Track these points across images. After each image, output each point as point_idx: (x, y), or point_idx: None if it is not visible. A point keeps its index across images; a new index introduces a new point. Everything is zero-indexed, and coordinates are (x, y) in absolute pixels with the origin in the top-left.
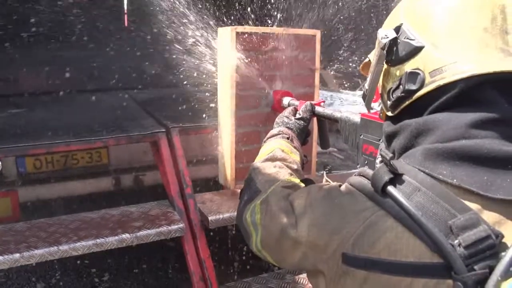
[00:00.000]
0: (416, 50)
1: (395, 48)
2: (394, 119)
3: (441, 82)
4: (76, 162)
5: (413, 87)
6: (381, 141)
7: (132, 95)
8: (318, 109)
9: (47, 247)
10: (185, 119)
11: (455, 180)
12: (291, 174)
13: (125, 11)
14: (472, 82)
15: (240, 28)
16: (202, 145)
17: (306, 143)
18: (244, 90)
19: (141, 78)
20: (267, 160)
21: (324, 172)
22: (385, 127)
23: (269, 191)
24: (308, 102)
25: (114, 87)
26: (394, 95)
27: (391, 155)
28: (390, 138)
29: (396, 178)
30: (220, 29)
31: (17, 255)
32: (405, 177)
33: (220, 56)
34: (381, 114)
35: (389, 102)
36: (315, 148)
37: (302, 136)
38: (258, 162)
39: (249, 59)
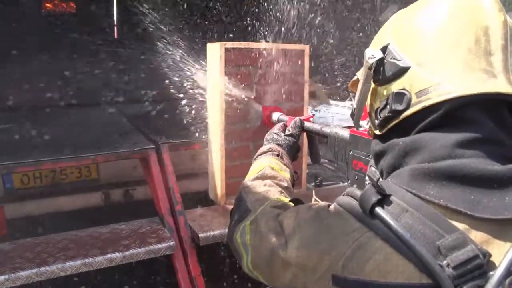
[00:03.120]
0: (402, 71)
1: (382, 68)
2: (382, 138)
3: (427, 103)
4: (65, 177)
5: (400, 107)
6: (370, 157)
7: (122, 109)
8: (307, 124)
9: (34, 268)
10: (175, 134)
11: (442, 200)
12: (281, 192)
13: (115, 23)
14: (457, 103)
15: (229, 44)
16: (194, 158)
17: (296, 159)
18: (233, 105)
19: (131, 92)
20: (257, 178)
21: (313, 191)
22: (373, 146)
23: (259, 211)
24: (297, 118)
25: (103, 101)
26: (381, 115)
27: (378, 176)
28: (378, 157)
29: (384, 199)
30: (209, 45)
31: (2, 278)
32: (393, 198)
33: (210, 72)
34: (369, 132)
35: (376, 121)
36: (305, 162)
37: (292, 152)
38: (248, 180)
39: (238, 75)
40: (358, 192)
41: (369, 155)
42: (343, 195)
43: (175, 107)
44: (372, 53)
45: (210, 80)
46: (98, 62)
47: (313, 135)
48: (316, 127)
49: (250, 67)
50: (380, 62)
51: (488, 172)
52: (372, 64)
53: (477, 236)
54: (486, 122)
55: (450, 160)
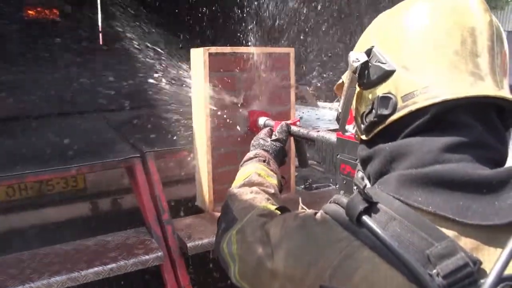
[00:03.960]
0: (388, 74)
1: (366, 72)
2: (369, 143)
3: (413, 108)
4: (52, 188)
5: (386, 112)
6: (358, 161)
7: (107, 117)
8: (293, 128)
9: (18, 286)
10: (161, 142)
11: (430, 207)
12: (268, 199)
13: (100, 30)
14: (444, 106)
15: (213, 49)
16: (182, 163)
17: (284, 164)
18: (219, 111)
19: (116, 100)
20: (243, 185)
21: (300, 199)
22: (359, 151)
23: (245, 219)
24: (283, 123)
25: (88, 109)
26: (367, 119)
27: (364, 183)
28: (364, 162)
29: (371, 207)
30: (192, 50)
31: None
32: (380, 205)
33: (194, 77)
34: (356, 136)
35: (362, 126)
36: (293, 166)
37: (279, 157)
38: (234, 188)
39: (223, 80)
40: (344, 200)
41: (357, 159)
42: (330, 202)
43: (162, 114)
44: (356, 57)
45: (194, 86)
46: (82, 69)
47: (300, 139)
48: (303, 131)
49: (235, 72)
50: (365, 65)
51: (476, 177)
52: (356, 67)
53: (466, 243)
54: (474, 126)
55: (437, 165)
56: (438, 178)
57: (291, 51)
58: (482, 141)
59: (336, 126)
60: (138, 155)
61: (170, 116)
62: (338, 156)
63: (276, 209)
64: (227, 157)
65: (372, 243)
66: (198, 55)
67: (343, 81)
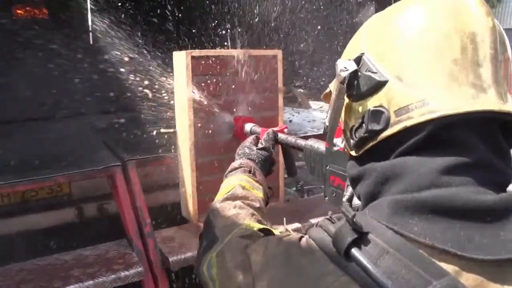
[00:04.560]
0: (379, 85)
1: (356, 82)
2: (359, 160)
3: (408, 124)
4: (35, 194)
5: (377, 127)
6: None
7: (90, 122)
8: (281, 136)
9: None
10: (143, 149)
11: (427, 239)
12: (252, 214)
13: (90, 29)
14: (442, 123)
15: (196, 52)
16: (167, 170)
17: (271, 173)
18: (202, 117)
19: (100, 103)
20: (227, 199)
21: (284, 220)
22: (348, 168)
23: (226, 240)
24: (270, 130)
25: (70, 114)
26: (357, 134)
27: (353, 212)
28: (354, 181)
29: (361, 238)
30: (175, 53)
31: None
32: (371, 236)
33: (176, 82)
34: (345, 150)
35: (352, 141)
36: (282, 174)
37: (266, 166)
38: (217, 202)
39: (207, 84)
40: (332, 228)
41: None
42: (316, 226)
43: (146, 119)
44: (345, 65)
45: (176, 91)
46: (68, 71)
47: (288, 147)
48: (290, 139)
49: (220, 75)
50: (354, 75)
51: (479, 203)
52: (344, 77)
53: (469, 279)
54: (476, 144)
55: (435, 189)
56: (436, 205)
57: (279, 53)
58: (484, 161)
59: None
60: (119, 163)
61: (155, 121)
62: (328, 167)
63: (259, 230)
64: (212, 166)
65: (362, 280)
66: (181, 58)
67: (330, 91)
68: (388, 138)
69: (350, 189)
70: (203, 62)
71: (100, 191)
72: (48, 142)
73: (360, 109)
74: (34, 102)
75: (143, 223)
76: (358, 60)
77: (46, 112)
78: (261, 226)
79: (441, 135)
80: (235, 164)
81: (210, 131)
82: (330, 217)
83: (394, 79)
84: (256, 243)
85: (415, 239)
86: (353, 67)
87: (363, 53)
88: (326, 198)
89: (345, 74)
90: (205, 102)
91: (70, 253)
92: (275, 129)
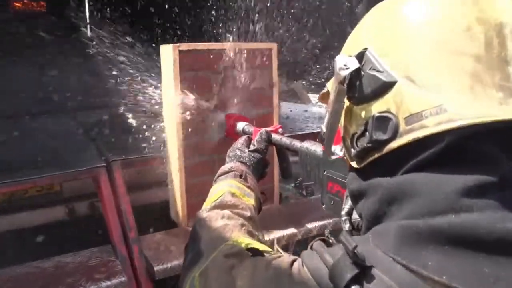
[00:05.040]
0: (386, 86)
1: (358, 82)
2: (361, 173)
3: (421, 134)
4: (25, 191)
5: (383, 137)
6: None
7: (80, 118)
8: (275, 137)
9: None
10: (130, 149)
11: (444, 277)
12: (242, 225)
13: (87, 21)
14: (463, 133)
15: (184, 46)
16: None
17: (264, 176)
18: (192, 115)
19: (91, 98)
20: (215, 207)
21: (275, 241)
22: (349, 183)
23: (211, 258)
24: (263, 130)
25: (60, 109)
26: (359, 143)
27: (354, 244)
28: (355, 197)
29: (364, 273)
30: (162, 47)
31: None
32: (375, 271)
33: (164, 77)
34: (345, 158)
35: (353, 151)
36: (277, 175)
37: (259, 169)
38: (204, 210)
39: (196, 80)
40: (328, 258)
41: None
42: (311, 248)
43: (137, 117)
44: (345, 62)
45: (164, 87)
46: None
47: (282, 148)
48: (285, 140)
49: (210, 70)
50: (356, 74)
51: (506, 232)
52: (344, 77)
53: None
54: (502, 160)
55: (453, 214)
56: (455, 234)
57: (274, 46)
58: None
59: None
60: (103, 164)
61: (144, 118)
62: (325, 172)
63: (247, 249)
64: (203, 166)
65: None
66: (168, 53)
67: (328, 91)
68: (396, 149)
69: (349, 201)
70: (192, 56)
71: (90, 189)
72: (31, 140)
73: (362, 114)
74: (17, 98)
75: (127, 228)
76: (361, 57)
77: (40, 106)
78: (250, 242)
79: (460, 149)
80: (225, 167)
81: (199, 130)
82: (327, 236)
83: (404, 80)
84: (243, 265)
85: (428, 277)
86: (354, 64)
87: (366, 49)
88: (324, 206)
89: (345, 73)
90: (195, 99)
91: (50, 259)
92: (268, 129)
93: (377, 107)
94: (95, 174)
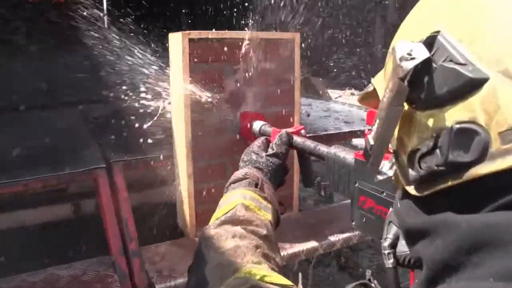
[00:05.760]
0: (472, 86)
1: (426, 79)
2: (423, 203)
3: None
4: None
5: (464, 159)
6: (383, 194)
7: (86, 111)
8: (297, 140)
9: None
10: (134, 148)
11: None
12: (256, 247)
13: (105, 11)
14: None
15: (194, 34)
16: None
17: (283, 184)
18: (202, 112)
19: (98, 90)
20: (225, 222)
21: (299, 275)
22: (403, 213)
23: None
24: (283, 132)
25: (66, 102)
26: (423, 164)
27: None
28: (413, 236)
29: None
30: (171, 35)
31: None
32: None
33: (172, 70)
34: (394, 179)
35: (413, 173)
36: (297, 180)
37: (277, 177)
38: (212, 226)
39: (208, 73)
40: None
41: (383, 192)
42: None
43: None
44: (408, 50)
45: (172, 81)
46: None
47: (305, 153)
48: (309, 144)
49: (223, 62)
50: (424, 67)
51: None
52: (408, 71)
53: None
54: None
55: None
56: None
57: (296, 36)
58: None
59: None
60: (103, 165)
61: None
62: (357, 184)
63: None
64: (214, 171)
65: None
66: (176, 41)
67: (374, 89)
68: (484, 177)
69: (394, 228)
70: (203, 45)
71: None
72: (37, 135)
73: (430, 123)
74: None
75: (128, 238)
76: (431, 43)
77: (46, 99)
78: (266, 274)
79: None
80: (239, 173)
81: (210, 130)
82: (369, 280)
83: (499, 76)
84: None
85: None
86: (423, 54)
87: (438, 32)
88: (353, 223)
89: (409, 64)
90: (206, 95)
91: (41, 273)
92: (289, 130)
93: (455, 115)
94: (93, 176)
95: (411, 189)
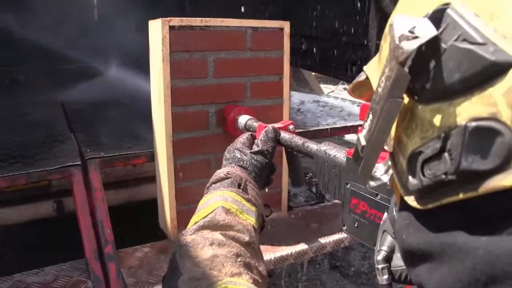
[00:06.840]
0: (494, 72)
1: (433, 63)
2: (426, 218)
3: None
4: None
5: (483, 166)
6: (378, 196)
7: (67, 102)
8: (284, 136)
9: None
10: (113, 143)
11: None
12: (237, 256)
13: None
14: None
15: (175, 21)
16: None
17: (270, 184)
18: (184, 105)
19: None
20: (203, 227)
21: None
22: (402, 228)
23: None
24: (269, 127)
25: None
26: (428, 171)
27: None
28: (413, 257)
29: None
30: (150, 23)
31: None
32: None
33: (152, 59)
34: (389, 183)
35: (414, 181)
36: (286, 177)
37: (263, 176)
38: (188, 231)
39: (190, 64)
40: None
41: (377, 194)
42: None
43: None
44: (411, 26)
45: (152, 71)
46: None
47: (293, 151)
48: (297, 141)
49: (207, 52)
50: (431, 48)
51: None
52: (409, 53)
53: None
54: None
55: None
56: None
57: (286, 25)
58: None
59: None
60: (78, 162)
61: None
62: (348, 185)
63: None
64: (196, 167)
65: None
66: (156, 29)
67: (367, 78)
68: (508, 191)
69: (389, 239)
70: (185, 34)
71: None
72: (10, 129)
73: (437, 120)
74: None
75: (103, 241)
76: (439, 18)
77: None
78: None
79: None
80: (220, 173)
81: (193, 124)
82: None
83: None
84: None
85: None
86: (429, 31)
87: (448, 4)
88: (344, 228)
89: (412, 45)
90: (188, 86)
91: (9, 279)
92: (276, 125)
93: (469, 110)
94: (66, 174)
95: (411, 200)
